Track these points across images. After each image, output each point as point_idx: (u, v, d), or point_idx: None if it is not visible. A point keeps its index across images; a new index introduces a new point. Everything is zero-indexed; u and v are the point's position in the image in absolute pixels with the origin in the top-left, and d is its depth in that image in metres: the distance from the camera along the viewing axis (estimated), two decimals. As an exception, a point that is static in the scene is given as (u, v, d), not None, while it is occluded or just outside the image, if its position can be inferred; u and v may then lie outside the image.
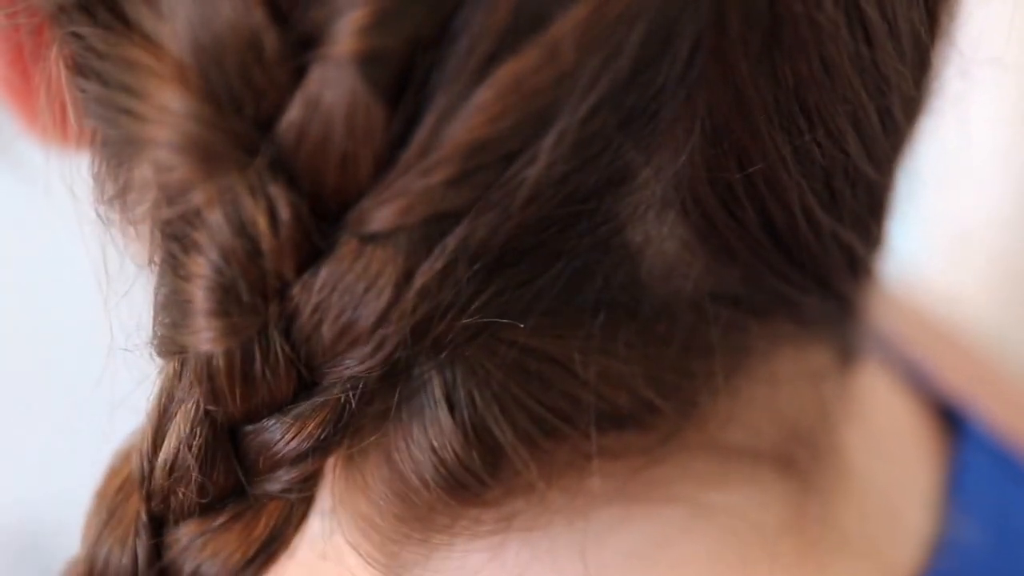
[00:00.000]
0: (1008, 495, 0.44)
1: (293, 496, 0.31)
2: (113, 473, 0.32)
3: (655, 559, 0.35)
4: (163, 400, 0.30)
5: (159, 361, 0.31)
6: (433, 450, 0.32)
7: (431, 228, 0.27)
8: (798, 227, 0.33)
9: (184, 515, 0.31)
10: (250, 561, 0.31)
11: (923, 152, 0.36)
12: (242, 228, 0.27)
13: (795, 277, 0.34)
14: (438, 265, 0.27)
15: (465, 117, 0.26)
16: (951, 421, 0.45)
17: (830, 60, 0.30)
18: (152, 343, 0.30)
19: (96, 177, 0.32)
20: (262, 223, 0.27)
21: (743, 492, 0.36)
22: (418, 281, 0.27)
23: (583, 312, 0.32)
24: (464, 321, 0.29)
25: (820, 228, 0.33)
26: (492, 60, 0.26)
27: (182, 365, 0.30)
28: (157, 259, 0.30)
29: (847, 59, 0.31)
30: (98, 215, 0.32)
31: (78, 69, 0.30)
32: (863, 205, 0.34)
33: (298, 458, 0.30)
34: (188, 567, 0.31)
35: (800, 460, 0.36)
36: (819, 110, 0.31)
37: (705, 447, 0.35)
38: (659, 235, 0.32)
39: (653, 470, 0.34)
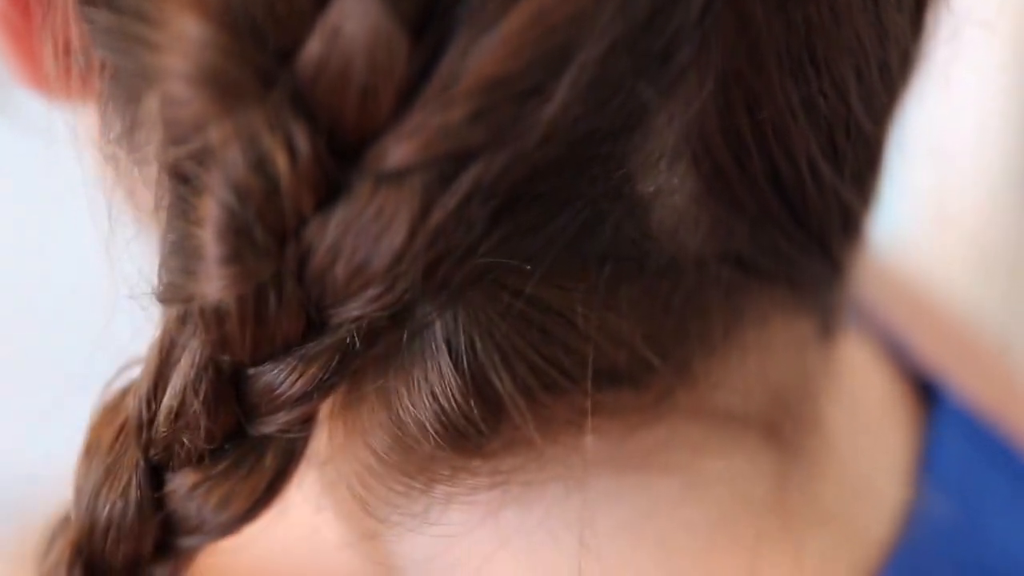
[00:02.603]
0: (978, 471, 0.45)
1: (293, 435, 0.31)
2: (101, 426, 0.31)
3: (648, 528, 0.35)
4: (165, 345, 0.30)
5: (163, 309, 0.30)
6: (433, 396, 0.31)
7: (447, 166, 0.27)
8: (803, 179, 0.33)
9: (186, 462, 0.30)
10: (255, 504, 0.31)
11: (909, 127, 0.37)
12: (259, 165, 0.26)
13: (796, 234, 0.34)
14: (452, 203, 0.27)
15: (485, 52, 0.26)
16: (928, 394, 0.45)
17: (839, 7, 0.31)
18: (156, 291, 0.30)
19: (103, 116, 0.32)
20: (281, 159, 0.26)
21: (732, 460, 0.36)
22: (432, 220, 0.27)
23: (589, 264, 0.32)
24: (473, 262, 0.29)
25: (823, 182, 0.33)
26: None
27: (187, 311, 0.29)
28: (165, 203, 0.29)
29: (854, 7, 0.31)
30: (103, 157, 0.32)
31: None
32: (861, 160, 0.35)
33: (300, 399, 0.30)
34: (193, 516, 0.31)
35: (784, 428, 0.37)
36: (826, 59, 0.31)
37: (696, 411, 0.35)
38: (669, 186, 0.32)
39: (646, 433, 0.34)
